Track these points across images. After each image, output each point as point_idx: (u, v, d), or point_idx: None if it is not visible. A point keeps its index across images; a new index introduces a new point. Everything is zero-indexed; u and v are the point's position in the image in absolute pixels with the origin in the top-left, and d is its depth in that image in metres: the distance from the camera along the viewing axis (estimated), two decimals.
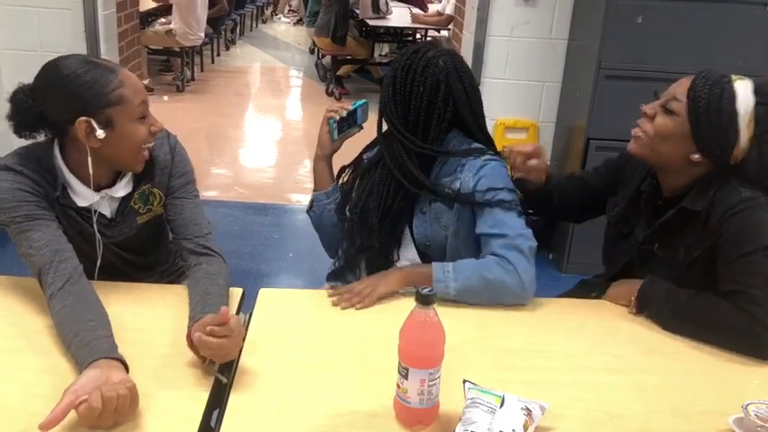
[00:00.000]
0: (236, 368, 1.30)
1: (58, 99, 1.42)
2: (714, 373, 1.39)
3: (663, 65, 2.91)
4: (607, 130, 3.09)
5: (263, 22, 11.81)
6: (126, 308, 1.46)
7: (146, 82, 5.91)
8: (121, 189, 1.55)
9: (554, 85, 3.56)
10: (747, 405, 1.16)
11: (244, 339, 1.40)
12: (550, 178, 1.86)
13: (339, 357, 1.37)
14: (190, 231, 1.56)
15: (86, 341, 1.24)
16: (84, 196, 1.51)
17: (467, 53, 3.58)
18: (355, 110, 1.76)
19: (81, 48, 3.33)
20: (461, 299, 1.54)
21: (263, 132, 6.10)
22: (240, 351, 1.34)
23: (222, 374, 1.27)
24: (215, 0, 7.39)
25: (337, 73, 6.94)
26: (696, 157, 1.52)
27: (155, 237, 1.70)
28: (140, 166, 1.51)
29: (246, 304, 1.56)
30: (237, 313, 1.50)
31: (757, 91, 1.48)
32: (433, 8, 7.65)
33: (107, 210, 1.56)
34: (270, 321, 1.49)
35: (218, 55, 8.44)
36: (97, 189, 1.51)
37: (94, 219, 1.52)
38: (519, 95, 3.59)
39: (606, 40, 3.02)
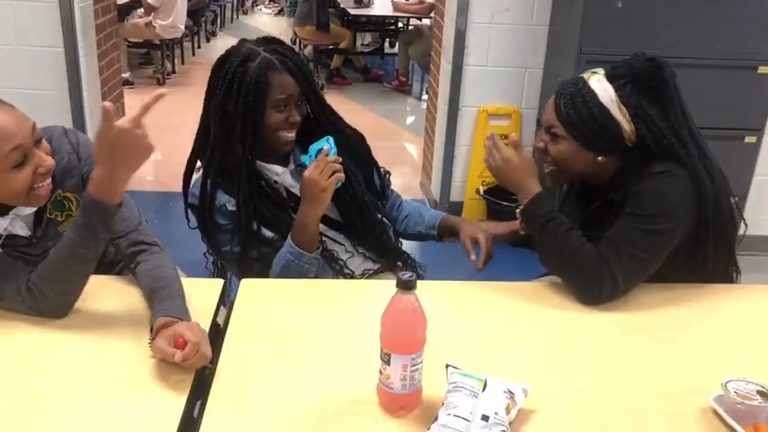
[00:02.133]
0: (218, 359, 1.29)
1: None
2: (695, 352, 1.40)
3: (643, 49, 2.89)
4: None
5: (244, 13, 11.72)
6: (100, 299, 1.45)
7: (126, 75, 5.85)
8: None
9: (536, 71, 3.57)
10: (727, 382, 1.17)
11: (225, 330, 1.40)
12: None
13: (322, 345, 1.37)
14: (119, 229, 1.47)
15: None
16: None
17: (448, 40, 3.58)
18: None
19: (58, 41, 3.29)
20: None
21: None
22: (221, 343, 1.34)
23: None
24: None
25: (332, 67, 6.91)
26: (600, 159, 1.59)
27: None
28: (40, 203, 1.38)
29: (228, 295, 1.55)
30: (219, 307, 1.49)
31: (611, 78, 1.56)
32: None
33: (23, 230, 1.43)
34: (252, 311, 1.48)
35: (199, 47, 8.37)
36: (4, 212, 1.40)
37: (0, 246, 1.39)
38: (501, 82, 3.59)
39: (587, 26, 3.02)
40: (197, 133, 1.74)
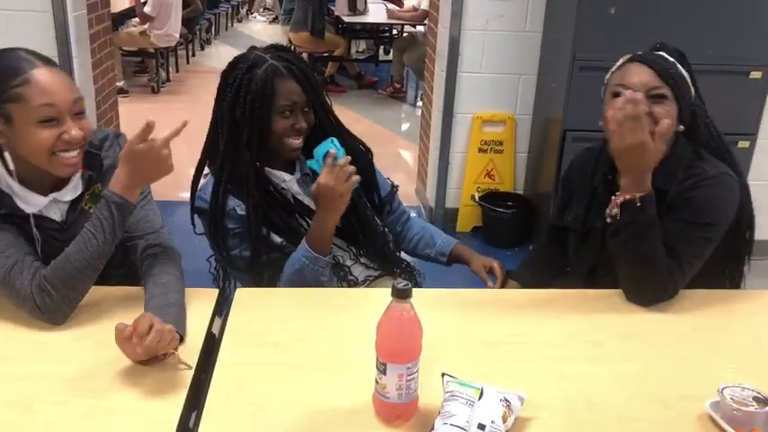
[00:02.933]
0: (213, 368, 1.29)
1: None
2: (691, 358, 1.40)
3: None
4: (583, 122, 3.09)
5: (239, 21, 11.74)
6: (99, 309, 1.44)
7: (120, 84, 5.84)
8: (70, 192, 1.49)
9: (530, 77, 3.58)
10: (723, 389, 1.17)
11: (221, 339, 1.39)
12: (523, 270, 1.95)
13: (317, 355, 1.36)
14: (141, 228, 1.53)
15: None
16: (30, 202, 1.45)
17: (442, 47, 3.59)
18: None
19: (52, 50, 3.28)
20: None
21: None
22: (216, 352, 1.33)
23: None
24: (188, 0, 7.33)
25: (326, 74, 6.92)
26: (681, 127, 1.59)
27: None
28: (64, 171, 1.43)
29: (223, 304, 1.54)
30: (214, 313, 1.48)
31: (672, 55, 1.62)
32: (408, 3, 7.64)
33: (56, 214, 1.49)
34: (247, 321, 1.47)
35: (194, 55, 8.38)
36: (45, 193, 1.46)
37: (32, 224, 1.45)
38: (495, 89, 3.60)
39: (580, 32, 3.03)
40: (206, 138, 1.75)
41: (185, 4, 7.11)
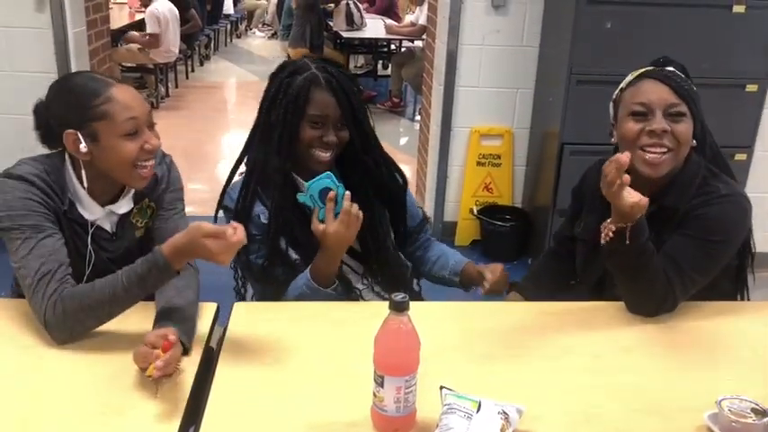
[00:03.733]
0: (211, 382, 1.29)
1: (55, 112, 1.47)
2: (689, 370, 1.40)
3: (632, 69, 2.92)
4: (580, 135, 3.12)
5: (238, 36, 11.80)
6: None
7: None
8: (124, 205, 1.56)
9: (527, 91, 3.60)
10: (721, 400, 1.17)
11: (219, 352, 1.39)
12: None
13: (315, 368, 1.36)
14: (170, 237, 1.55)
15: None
16: (91, 210, 1.52)
17: (440, 62, 3.61)
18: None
19: (51, 66, 3.30)
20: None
21: (240, 147, 6.05)
22: (214, 366, 1.33)
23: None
24: (187, 17, 7.38)
25: None
26: (693, 142, 1.60)
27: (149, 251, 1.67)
28: (140, 183, 1.50)
29: (222, 318, 1.54)
30: (213, 327, 1.48)
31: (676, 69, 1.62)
32: (406, 19, 7.69)
33: (107, 225, 1.56)
34: (245, 335, 1.47)
35: (193, 71, 8.41)
36: (102, 204, 1.53)
37: (90, 232, 1.52)
38: (493, 103, 3.62)
39: (576, 46, 3.06)
40: (247, 138, 1.75)
41: (184, 21, 7.16)
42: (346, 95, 1.62)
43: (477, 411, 1.11)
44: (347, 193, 1.54)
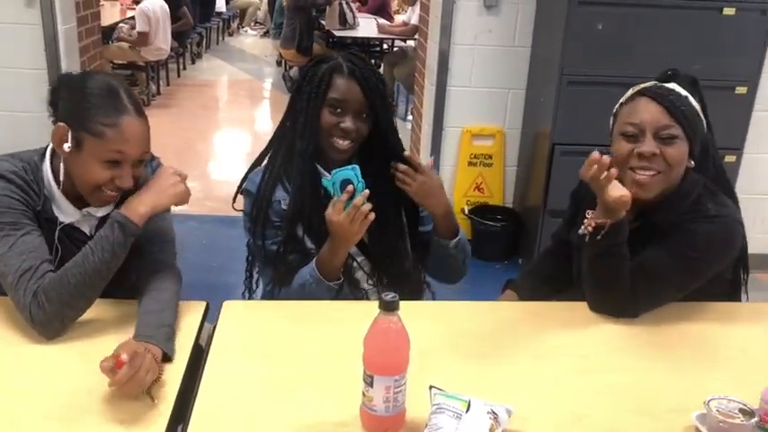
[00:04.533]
0: (199, 381, 1.28)
1: (64, 101, 1.45)
2: (678, 370, 1.41)
3: (623, 70, 2.93)
4: (571, 136, 3.13)
5: (230, 35, 11.76)
6: (85, 321, 1.43)
7: None
8: (102, 209, 1.52)
9: (519, 91, 3.60)
10: (710, 401, 1.17)
11: (208, 350, 1.39)
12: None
13: (304, 368, 1.36)
14: (152, 240, 1.54)
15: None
16: (66, 212, 1.49)
17: (432, 62, 3.61)
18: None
19: (41, 63, 3.28)
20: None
21: (231, 145, 6.05)
22: (203, 365, 1.32)
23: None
24: (179, 15, 7.35)
25: None
26: (691, 163, 1.58)
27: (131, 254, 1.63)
28: (97, 203, 1.48)
29: (211, 316, 1.54)
30: (202, 325, 1.48)
31: (684, 86, 1.57)
32: (398, 18, 7.69)
33: (86, 227, 1.53)
34: (234, 333, 1.47)
35: (185, 69, 8.37)
36: (80, 206, 1.50)
37: (56, 231, 1.48)
38: (484, 103, 3.63)
39: (568, 47, 3.06)
40: (276, 128, 1.76)
41: (176, 18, 7.13)
42: (368, 84, 1.63)
43: (467, 411, 1.11)
44: (365, 191, 1.52)
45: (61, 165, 1.46)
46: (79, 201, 1.50)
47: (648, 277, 1.53)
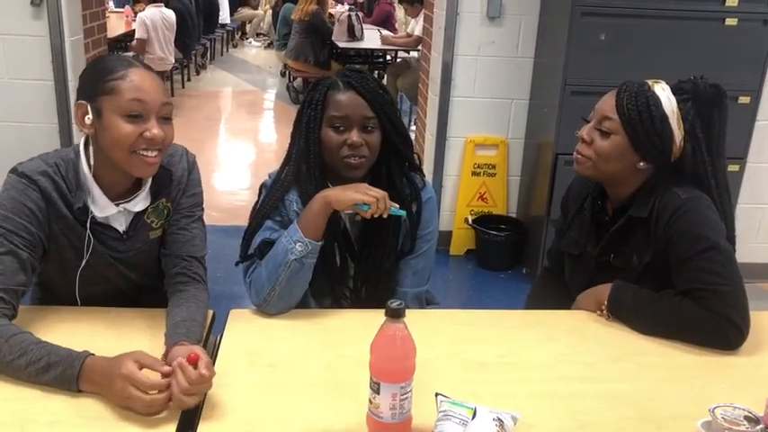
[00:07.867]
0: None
1: (80, 85, 1.44)
2: (683, 378, 1.41)
3: (626, 80, 2.96)
4: (575, 146, 3.13)
5: (234, 46, 11.82)
6: (95, 332, 1.45)
7: None
8: (140, 203, 1.50)
9: (522, 102, 3.62)
10: (715, 408, 1.18)
11: (214, 359, 1.39)
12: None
13: (311, 375, 1.37)
14: (185, 251, 1.54)
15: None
16: (102, 207, 1.46)
17: (435, 72, 3.63)
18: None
19: (48, 75, 3.31)
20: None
21: (235, 155, 6.08)
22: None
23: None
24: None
25: None
26: (641, 165, 1.60)
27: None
28: (141, 172, 1.44)
29: (217, 326, 1.55)
30: (208, 337, 1.49)
31: (675, 91, 1.59)
32: (402, 30, 7.73)
33: (121, 224, 1.51)
34: (241, 342, 1.48)
35: (189, 80, 8.42)
36: (116, 201, 1.48)
37: (87, 233, 1.45)
38: (488, 113, 3.64)
39: (571, 58, 3.08)
40: (285, 155, 1.74)
41: (185, 29, 7.16)
42: (368, 91, 1.59)
43: (473, 418, 1.12)
44: (403, 214, 1.60)
45: (91, 153, 1.43)
46: (113, 194, 1.47)
47: (706, 291, 1.48)
